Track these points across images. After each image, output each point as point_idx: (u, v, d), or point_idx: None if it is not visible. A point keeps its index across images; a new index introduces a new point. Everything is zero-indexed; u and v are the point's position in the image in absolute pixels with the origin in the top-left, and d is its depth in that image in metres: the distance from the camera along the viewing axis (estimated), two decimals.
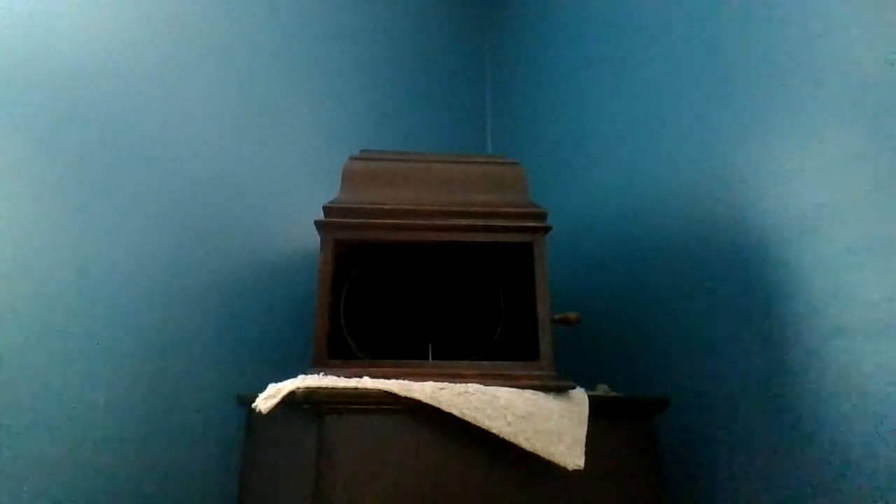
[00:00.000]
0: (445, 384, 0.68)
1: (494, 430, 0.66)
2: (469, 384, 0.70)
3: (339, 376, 0.69)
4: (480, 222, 0.81)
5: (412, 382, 0.67)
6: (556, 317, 0.81)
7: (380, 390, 0.65)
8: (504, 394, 0.69)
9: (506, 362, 0.77)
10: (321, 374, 0.70)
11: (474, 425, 0.66)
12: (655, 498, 0.78)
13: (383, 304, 0.92)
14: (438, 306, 0.93)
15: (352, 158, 0.87)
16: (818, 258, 0.78)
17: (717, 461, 0.86)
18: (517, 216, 0.82)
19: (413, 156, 0.89)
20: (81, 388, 0.92)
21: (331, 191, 0.87)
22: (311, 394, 0.64)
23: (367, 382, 0.67)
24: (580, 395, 0.76)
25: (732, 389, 0.86)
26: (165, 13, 1.15)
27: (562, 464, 0.67)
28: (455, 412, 0.65)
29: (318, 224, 0.79)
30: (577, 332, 1.11)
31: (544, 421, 0.68)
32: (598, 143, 1.20)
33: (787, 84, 0.85)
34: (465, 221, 0.81)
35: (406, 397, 0.65)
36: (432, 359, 0.85)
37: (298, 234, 1.18)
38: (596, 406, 0.75)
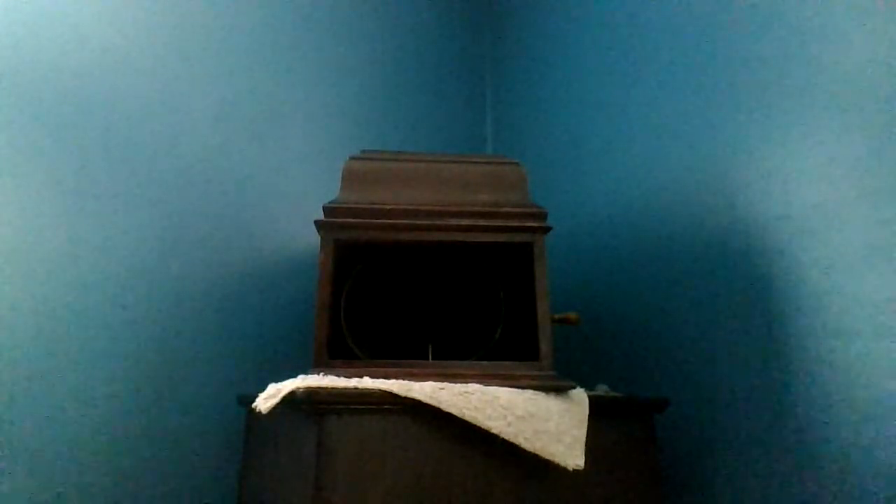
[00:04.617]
0: (445, 384, 0.68)
1: (494, 430, 0.66)
2: (469, 384, 0.70)
3: (339, 376, 0.69)
4: (481, 222, 0.81)
5: (412, 382, 0.67)
6: (556, 317, 0.81)
7: (380, 390, 0.65)
8: (504, 394, 0.69)
9: (506, 362, 0.77)
10: (321, 374, 0.70)
11: (474, 425, 0.66)
12: (655, 498, 0.78)
13: (383, 304, 0.92)
14: (438, 306, 0.93)
15: (352, 158, 0.87)
16: (819, 258, 0.78)
17: (717, 461, 0.86)
18: (517, 216, 0.82)
19: (413, 156, 0.89)
20: (81, 388, 0.92)
21: (331, 191, 0.87)
22: (311, 394, 0.64)
23: (367, 382, 0.67)
24: (580, 395, 0.76)
25: (732, 389, 0.86)
26: (166, 13, 1.15)
27: (562, 464, 0.67)
28: (455, 412, 0.65)
29: (318, 224, 0.79)
30: (577, 332, 1.11)
31: (544, 421, 0.69)
32: (598, 143, 1.20)
33: (787, 85, 0.85)
34: (465, 221, 0.81)
35: (406, 397, 0.65)
36: (432, 359, 0.85)
37: (298, 235, 1.18)
38: (596, 406, 0.75)
